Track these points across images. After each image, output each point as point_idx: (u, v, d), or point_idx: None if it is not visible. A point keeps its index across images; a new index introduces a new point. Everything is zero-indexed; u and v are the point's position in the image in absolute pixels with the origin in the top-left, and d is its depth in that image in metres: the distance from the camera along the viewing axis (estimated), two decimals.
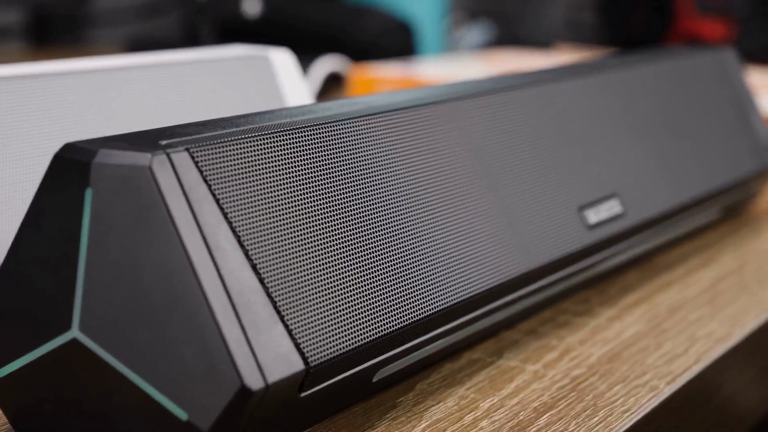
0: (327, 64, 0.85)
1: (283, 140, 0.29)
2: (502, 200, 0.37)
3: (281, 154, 0.29)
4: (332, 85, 0.88)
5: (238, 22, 0.98)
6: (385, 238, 0.31)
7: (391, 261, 0.31)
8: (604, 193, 0.42)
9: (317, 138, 0.30)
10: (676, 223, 0.48)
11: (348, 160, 0.31)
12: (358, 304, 0.30)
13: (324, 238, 0.29)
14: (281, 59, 0.49)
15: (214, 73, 0.48)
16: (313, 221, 0.29)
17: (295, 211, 0.29)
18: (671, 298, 0.42)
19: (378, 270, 0.31)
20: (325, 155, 0.30)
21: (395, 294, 0.31)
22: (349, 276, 0.30)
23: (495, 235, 0.36)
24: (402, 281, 0.31)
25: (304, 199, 0.29)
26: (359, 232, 0.30)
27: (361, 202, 0.31)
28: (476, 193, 0.36)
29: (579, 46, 1.47)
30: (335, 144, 0.31)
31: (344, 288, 0.29)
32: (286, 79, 0.48)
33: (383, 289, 0.31)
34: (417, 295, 0.32)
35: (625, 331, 0.39)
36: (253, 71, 0.48)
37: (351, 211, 0.30)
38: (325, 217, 0.30)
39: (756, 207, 0.58)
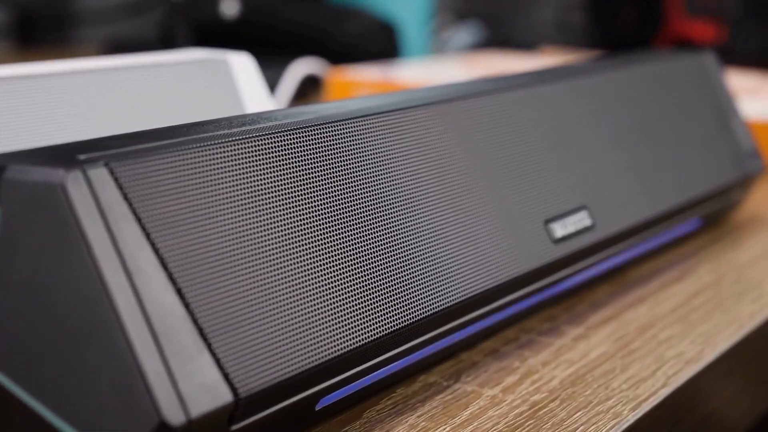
0: (303, 67, 0.83)
1: (214, 153, 0.28)
2: (462, 214, 0.35)
3: (211, 169, 0.27)
4: (310, 88, 0.86)
5: (216, 23, 0.96)
6: (325, 257, 0.29)
7: (333, 281, 0.29)
8: (572, 205, 0.40)
9: (250, 151, 0.29)
10: (650, 235, 0.46)
11: (283, 174, 0.29)
12: (295, 328, 0.28)
13: (257, 259, 0.27)
14: (241, 63, 0.47)
15: (171, 77, 0.46)
16: (245, 241, 0.27)
17: (227, 230, 0.27)
18: (642, 316, 0.40)
19: (319, 291, 0.29)
20: (258, 170, 0.29)
21: (338, 316, 0.29)
22: (286, 298, 0.28)
23: (454, 251, 0.34)
24: (346, 302, 0.30)
25: (236, 217, 0.27)
26: (296, 252, 0.29)
27: (298, 222, 0.29)
28: (433, 209, 0.34)
29: (565, 48, 1.45)
30: (268, 158, 0.29)
31: (280, 311, 0.27)
32: (245, 84, 0.46)
33: (324, 311, 0.29)
34: (363, 316, 0.30)
35: (591, 351, 0.37)
36: (211, 75, 0.46)
37: (286, 230, 0.29)
38: (258, 237, 0.28)
39: (738, 216, 0.56)
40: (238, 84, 0.46)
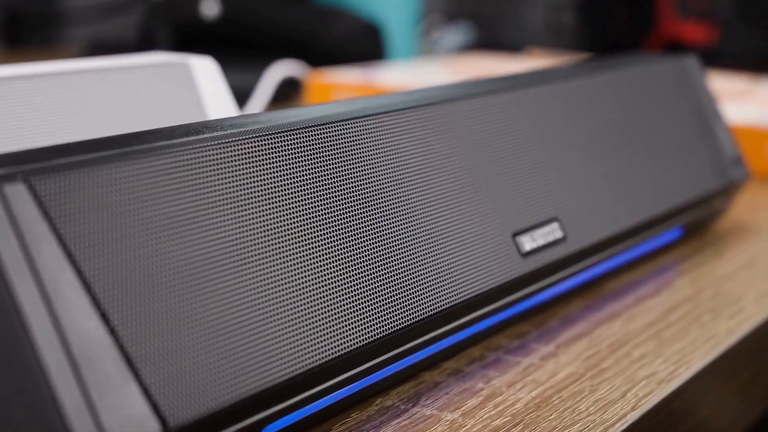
0: (282, 70, 0.81)
1: (144, 167, 0.26)
2: (423, 229, 0.34)
3: (142, 184, 0.26)
4: (290, 91, 0.85)
5: (196, 24, 0.94)
6: (267, 276, 0.28)
7: (277, 300, 0.28)
8: (543, 217, 0.38)
9: (184, 165, 0.27)
10: (626, 246, 0.44)
11: (221, 190, 0.28)
12: (235, 350, 0.26)
13: (192, 280, 0.26)
14: (203, 66, 0.45)
15: (131, 81, 0.44)
16: (179, 261, 0.26)
17: (159, 249, 0.25)
18: (615, 332, 0.39)
19: (261, 311, 0.27)
20: (192, 186, 0.27)
21: (284, 336, 0.27)
22: (225, 320, 0.26)
23: (414, 267, 0.33)
24: (292, 322, 0.28)
25: (169, 236, 0.26)
26: (234, 270, 0.27)
27: (236, 239, 0.27)
28: (389, 224, 0.33)
29: (554, 51, 1.44)
30: (203, 172, 0.27)
31: (219, 334, 0.26)
32: (207, 88, 0.45)
33: (268, 331, 0.27)
34: (313, 336, 0.28)
35: (560, 371, 0.35)
36: (172, 79, 0.45)
37: (224, 247, 0.27)
38: (192, 256, 0.26)
39: (721, 225, 0.54)
40: (200, 88, 0.44)
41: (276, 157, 0.30)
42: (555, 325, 0.39)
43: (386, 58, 1.04)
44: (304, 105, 0.38)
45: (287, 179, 0.30)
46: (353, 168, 0.32)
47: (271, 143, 0.30)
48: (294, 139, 0.31)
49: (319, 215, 0.30)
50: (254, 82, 0.82)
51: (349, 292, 0.30)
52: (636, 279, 0.45)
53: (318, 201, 0.30)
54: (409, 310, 0.32)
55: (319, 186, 0.30)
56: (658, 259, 0.48)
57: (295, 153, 0.30)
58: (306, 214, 0.30)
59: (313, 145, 0.31)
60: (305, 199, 0.30)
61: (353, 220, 0.31)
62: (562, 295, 0.41)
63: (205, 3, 0.92)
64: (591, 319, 0.40)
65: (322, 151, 0.31)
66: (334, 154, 0.32)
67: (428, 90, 0.39)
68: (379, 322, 0.31)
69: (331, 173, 0.31)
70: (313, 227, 0.30)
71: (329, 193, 0.31)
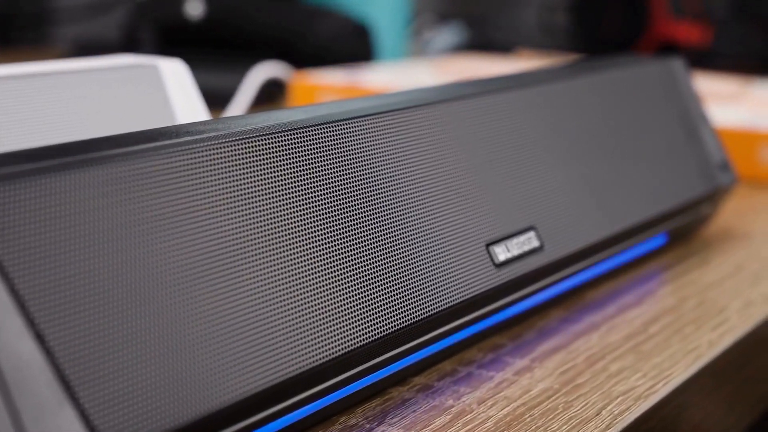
0: (265, 71, 0.80)
1: (86, 177, 0.25)
2: (393, 238, 0.32)
3: (83, 197, 0.24)
4: (274, 92, 0.83)
5: (181, 24, 0.93)
6: (221, 291, 0.26)
7: (232, 312, 0.26)
8: (519, 226, 0.37)
9: (127, 176, 0.25)
10: (608, 255, 0.43)
11: (168, 203, 0.26)
12: (184, 371, 0.25)
13: (139, 297, 0.24)
14: (172, 69, 0.44)
15: (98, 83, 0.43)
16: (126, 276, 0.24)
17: (104, 265, 0.24)
18: (593, 345, 0.37)
19: (206, 331, 0.26)
20: (137, 200, 0.25)
21: (237, 354, 0.26)
22: (168, 342, 0.25)
23: (383, 278, 0.31)
24: (241, 340, 0.27)
25: (113, 250, 0.24)
26: (181, 284, 0.26)
27: (183, 253, 0.26)
28: (359, 232, 0.31)
29: (545, 51, 1.42)
30: (144, 187, 0.26)
31: (162, 356, 0.24)
32: (176, 91, 0.43)
33: (220, 350, 0.26)
34: (268, 354, 0.27)
35: (534, 386, 0.34)
36: (140, 82, 0.43)
37: (170, 261, 0.26)
38: (138, 269, 0.25)
39: (707, 231, 0.53)
40: (169, 91, 0.43)
41: (226, 166, 0.28)
42: (531, 337, 0.38)
43: (375, 59, 1.02)
44: (283, 108, 0.37)
45: (241, 191, 0.28)
46: (316, 177, 0.31)
47: (230, 149, 0.28)
48: (263, 143, 0.29)
49: (270, 230, 0.29)
50: (238, 83, 0.81)
51: (310, 307, 0.29)
52: (618, 288, 0.44)
53: (266, 219, 0.29)
54: (376, 324, 0.31)
55: (276, 200, 0.29)
56: (641, 267, 0.47)
57: (258, 160, 0.29)
58: (254, 230, 0.28)
59: (283, 151, 0.30)
60: (223, 220, 0.29)
61: (315, 231, 0.30)
62: (540, 306, 0.40)
63: (190, 3, 0.91)
64: (569, 331, 0.39)
65: (288, 159, 0.30)
66: (302, 160, 0.30)
67: (401, 94, 0.38)
68: (343, 337, 0.30)
69: (295, 183, 0.30)
70: (276, 244, 0.28)
71: (281, 208, 0.29)
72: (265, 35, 0.97)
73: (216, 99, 0.83)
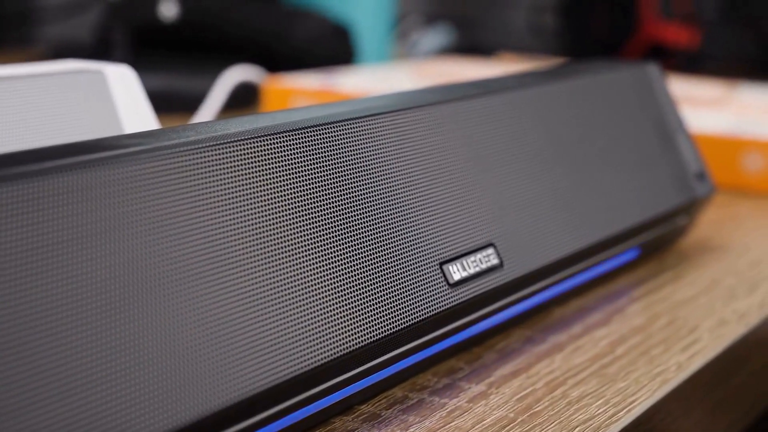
0: (236, 75, 0.78)
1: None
2: (336, 257, 0.30)
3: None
4: (247, 96, 0.81)
5: (155, 25, 0.91)
6: (146, 306, 0.24)
7: (163, 336, 0.24)
8: (477, 243, 0.35)
9: (33, 191, 0.23)
10: (576, 271, 0.41)
11: (97, 220, 0.24)
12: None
13: (57, 315, 0.22)
14: (119, 75, 0.42)
15: (40, 89, 0.41)
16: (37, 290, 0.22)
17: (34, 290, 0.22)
18: (556, 369, 0.35)
19: (138, 352, 0.24)
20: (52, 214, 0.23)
21: (165, 385, 0.24)
22: (82, 370, 0.23)
23: (326, 301, 0.29)
24: (178, 368, 0.25)
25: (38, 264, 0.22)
26: (109, 302, 0.24)
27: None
28: (301, 247, 0.29)
29: (533, 54, 1.41)
30: (83, 199, 0.24)
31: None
32: (123, 97, 0.41)
33: (141, 379, 0.24)
34: (197, 385, 0.25)
35: (488, 415, 0.32)
36: (86, 88, 0.41)
37: (90, 279, 0.24)
38: (65, 287, 0.23)
39: (683, 244, 0.51)
40: (115, 97, 0.41)
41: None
42: (490, 360, 0.36)
43: (356, 62, 1.01)
44: (246, 114, 0.35)
45: (194, 204, 0.26)
46: (265, 195, 0.29)
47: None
48: (212, 155, 0.27)
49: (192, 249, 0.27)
50: (212, 86, 0.79)
51: (246, 333, 0.27)
52: (586, 305, 0.42)
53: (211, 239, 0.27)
54: (318, 349, 0.29)
55: (230, 211, 0.27)
56: (612, 282, 0.45)
57: (200, 173, 0.27)
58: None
59: (232, 161, 0.28)
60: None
61: (266, 248, 0.28)
62: (502, 325, 0.38)
63: (164, 4, 0.89)
64: (531, 353, 0.37)
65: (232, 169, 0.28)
66: (247, 171, 0.28)
67: (354, 102, 0.36)
68: (283, 364, 0.28)
69: (240, 195, 0.28)
70: (196, 267, 0.26)
71: (236, 223, 0.27)
72: (242, 37, 0.95)
73: (190, 102, 0.81)
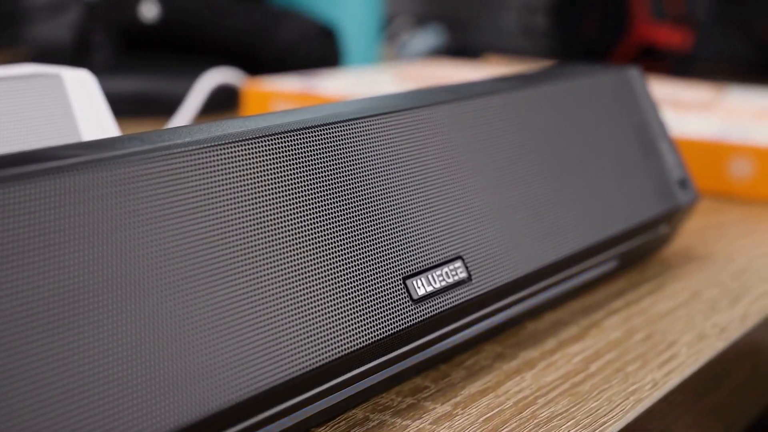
0: (214, 78, 0.76)
1: None
2: (293, 271, 0.29)
3: None
4: (227, 99, 0.80)
5: (136, 26, 0.89)
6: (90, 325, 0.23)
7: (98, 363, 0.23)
8: (444, 256, 0.34)
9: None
10: (551, 284, 0.39)
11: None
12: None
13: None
14: (77, 79, 0.40)
15: None
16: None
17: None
18: (525, 387, 0.34)
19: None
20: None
21: (108, 410, 0.23)
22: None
23: (282, 318, 0.28)
24: (116, 395, 0.23)
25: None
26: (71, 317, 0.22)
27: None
28: (260, 262, 0.28)
29: (520, 56, 1.40)
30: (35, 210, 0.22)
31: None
32: (81, 102, 0.40)
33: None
34: (137, 411, 0.24)
35: None
36: (42, 92, 0.40)
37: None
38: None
39: (665, 254, 0.50)
40: (73, 102, 0.40)
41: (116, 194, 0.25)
42: (458, 378, 0.35)
43: (342, 64, 0.99)
44: (222, 119, 0.34)
45: (166, 211, 0.25)
46: (219, 205, 0.27)
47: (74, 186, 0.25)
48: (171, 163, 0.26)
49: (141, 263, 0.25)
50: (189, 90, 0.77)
51: (198, 353, 0.25)
52: (561, 319, 0.40)
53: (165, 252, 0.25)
54: (271, 370, 0.27)
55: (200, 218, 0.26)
56: (589, 295, 0.43)
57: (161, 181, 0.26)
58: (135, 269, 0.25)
59: (193, 170, 0.26)
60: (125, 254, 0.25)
61: (222, 263, 0.26)
62: (472, 340, 0.36)
63: (144, 5, 0.88)
64: (500, 371, 0.35)
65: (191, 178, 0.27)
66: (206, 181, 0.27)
67: (317, 109, 0.34)
68: (233, 386, 0.26)
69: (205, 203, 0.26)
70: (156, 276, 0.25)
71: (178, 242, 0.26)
72: (225, 38, 0.94)
73: (171, 105, 0.79)
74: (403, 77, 0.83)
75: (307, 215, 0.30)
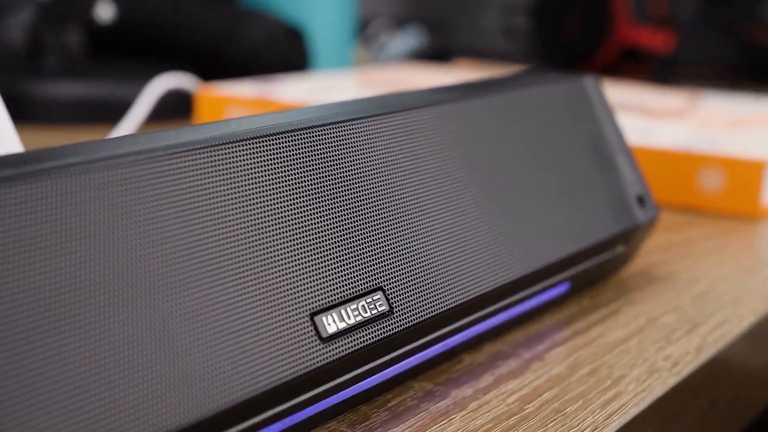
0: (165, 83, 0.73)
1: None
2: (172, 309, 0.26)
3: None
4: (180, 105, 0.77)
5: (92, 28, 0.86)
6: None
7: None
8: (361, 288, 0.31)
9: None
10: (490, 314, 0.36)
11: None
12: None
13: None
14: None
15: None
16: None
17: None
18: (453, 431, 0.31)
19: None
20: None
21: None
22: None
23: (168, 362, 0.25)
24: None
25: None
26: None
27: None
28: (148, 296, 0.25)
29: (490, 61, 1.37)
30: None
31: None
32: None
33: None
34: None
35: None
36: None
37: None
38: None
39: (623, 276, 0.47)
40: None
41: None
42: (379, 421, 0.31)
43: (312, 67, 0.96)
44: (164, 129, 0.31)
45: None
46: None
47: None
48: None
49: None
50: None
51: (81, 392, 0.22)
52: (500, 351, 0.37)
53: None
54: (162, 417, 0.24)
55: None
56: (534, 323, 0.40)
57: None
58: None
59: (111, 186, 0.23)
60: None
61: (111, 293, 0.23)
62: (398, 378, 0.33)
63: (101, 5, 0.84)
64: (427, 412, 0.32)
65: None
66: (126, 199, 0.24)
67: (235, 122, 0.31)
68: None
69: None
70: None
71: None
72: (186, 40, 0.90)
73: (119, 112, 0.76)
74: (367, 83, 0.79)
75: (202, 249, 0.27)
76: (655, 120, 0.69)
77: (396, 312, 0.31)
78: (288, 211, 0.30)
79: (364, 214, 0.32)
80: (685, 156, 0.60)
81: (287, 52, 0.94)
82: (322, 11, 1.01)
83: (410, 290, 0.32)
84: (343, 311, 0.30)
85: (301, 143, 0.31)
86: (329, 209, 0.31)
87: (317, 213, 0.30)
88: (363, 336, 0.30)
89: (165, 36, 0.89)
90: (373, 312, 0.31)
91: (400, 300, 0.32)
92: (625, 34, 1.33)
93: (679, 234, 0.54)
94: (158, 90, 0.72)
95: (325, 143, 0.32)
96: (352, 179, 0.32)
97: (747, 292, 0.45)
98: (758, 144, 0.62)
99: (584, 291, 0.44)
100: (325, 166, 0.31)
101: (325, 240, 0.30)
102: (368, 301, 0.31)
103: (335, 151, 0.32)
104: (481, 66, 0.95)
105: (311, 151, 0.31)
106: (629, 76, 1.33)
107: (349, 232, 0.31)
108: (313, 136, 0.32)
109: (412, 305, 0.32)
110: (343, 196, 0.32)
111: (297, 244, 0.29)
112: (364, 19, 1.51)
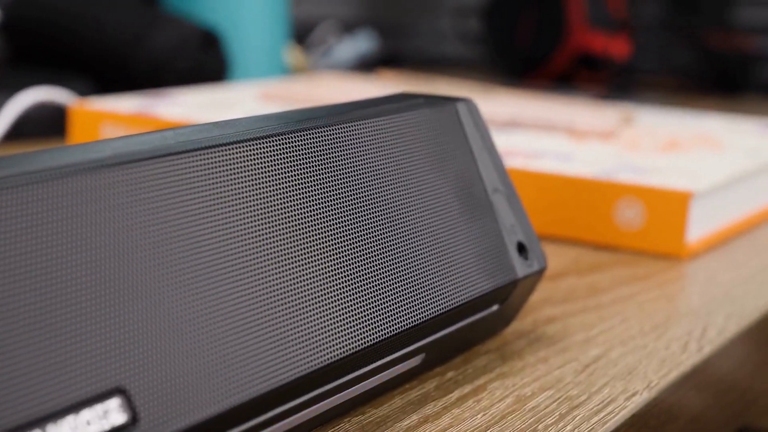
0: (31, 97, 0.66)
1: None
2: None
3: None
4: (54, 121, 0.69)
5: None
6: None
7: None
8: (89, 390, 0.23)
9: None
10: (305, 404, 0.29)
11: None
12: None
13: None
14: None
15: None
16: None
17: None
18: None
19: None
20: None
21: None
22: None
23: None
24: None
25: None
26: None
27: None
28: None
29: (403, 73, 1.30)
30: None
31: None
32: None
33: None
34: None
35: None
36: None
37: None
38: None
39: (500, 340, 0.39)
40: None
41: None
42: None
43: (233, 75, 0.89)
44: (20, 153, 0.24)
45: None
46: None
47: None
48: None
49: None
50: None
51: None
52: (363, 426, 0.30)
53: None
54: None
55: None
56: (381, 404, 0.33)
57: None
58: None
59: None
60: None
61: None
62: None
63: None
64: None
65: None
66: None
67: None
68: None
69: None
70: None
71: None
72: (87, 47, 0.83)
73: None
74: (266, 98, 0.72)
75: None
76: (579, 142, 0.62)
77: (143, 422, 0.24)
78: None
79: (105, 283, 0.25)
80: (600, 185, 0.53)
81: (201, 59, 0.86)
82: (250, 13, 0.93)
83: (173, 389, 0.25)
84: (55, 427, 0.22)
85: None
86: (47, 278, 0.24)
87: (31, 285, 0.23)
88: None
89: (60, 44, 0.82)
90: (103, 426, 0.23)
91: (152, 404, 0.24)
92: (579, 39, 1.26)
93: (584, 279, 0.47)
94: (22, 104, 0.64)
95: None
96: (123, 246, 0.25)
97: (645, 358, 0.38)
98: (688, 171, 0.55)
99: (453, 364, 0.36)
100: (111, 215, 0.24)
101: (39, 322, 0.23)
102: (99, 410, 0.23)
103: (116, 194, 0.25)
104: (405, 78, 0.88)
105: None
106: (585, 84, 1.27)
107: (75, 312, 0.24)
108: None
109: (171, 410, 0.25)
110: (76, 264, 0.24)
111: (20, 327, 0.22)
112: (310, 23, 1.43)
